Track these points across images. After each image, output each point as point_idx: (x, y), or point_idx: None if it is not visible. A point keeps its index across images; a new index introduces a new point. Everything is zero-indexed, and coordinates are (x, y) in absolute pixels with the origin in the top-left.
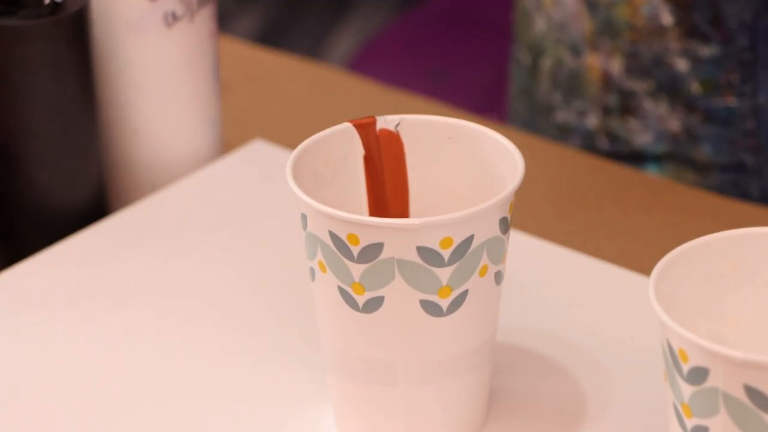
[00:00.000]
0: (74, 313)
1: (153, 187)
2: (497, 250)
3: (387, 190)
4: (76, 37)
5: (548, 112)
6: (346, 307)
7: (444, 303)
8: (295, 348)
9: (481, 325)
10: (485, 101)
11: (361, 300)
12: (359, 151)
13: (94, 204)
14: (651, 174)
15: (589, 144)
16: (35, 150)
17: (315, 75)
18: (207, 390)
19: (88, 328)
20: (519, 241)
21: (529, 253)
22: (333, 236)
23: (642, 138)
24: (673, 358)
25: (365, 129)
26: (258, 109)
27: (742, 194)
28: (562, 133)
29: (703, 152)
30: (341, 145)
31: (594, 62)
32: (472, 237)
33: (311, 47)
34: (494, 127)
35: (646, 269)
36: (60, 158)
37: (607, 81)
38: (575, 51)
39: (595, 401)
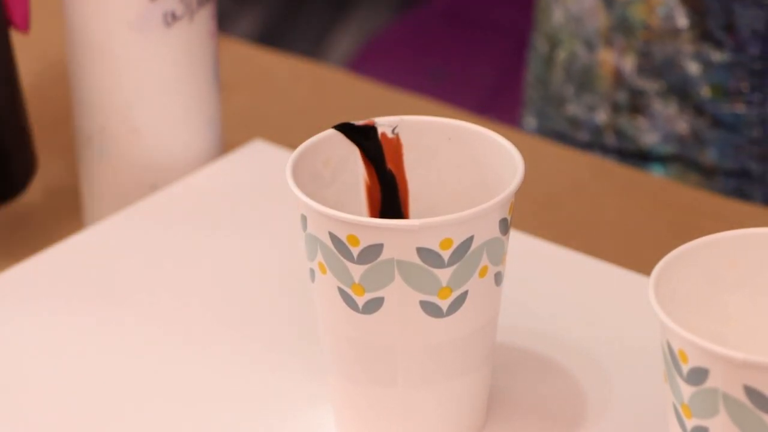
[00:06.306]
0: (74, 313)
1: (153, 187)
2: (497, 251)
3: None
4: None
5: (560, 104)
6: (346, 308)
7: (444, 304)
8: (295, 349)
9: (481, 325)
10: (486, 102)
11: (361, 301)
12: (359, 153)
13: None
14: (656, 174)
15: (596, 140)
16: None
17: (315, 75)
18: (207, 390)
19: (88, 328)
20: (519, 241)
21: (529, 253)
22: (333, 237)
23: (649, 137)
24: (673, 358)
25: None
26: (258, 109)
27: (746, 200)
28: (572, 126)
29: (709, 156)
30: (341, 146)
31: (607, 58)
32: (471, 238)
33: (311, 47)
34: (494, 128)
35: (646, 269)
36: None
37: (618, 78)
38: (589, 46)
39: (594, 401)
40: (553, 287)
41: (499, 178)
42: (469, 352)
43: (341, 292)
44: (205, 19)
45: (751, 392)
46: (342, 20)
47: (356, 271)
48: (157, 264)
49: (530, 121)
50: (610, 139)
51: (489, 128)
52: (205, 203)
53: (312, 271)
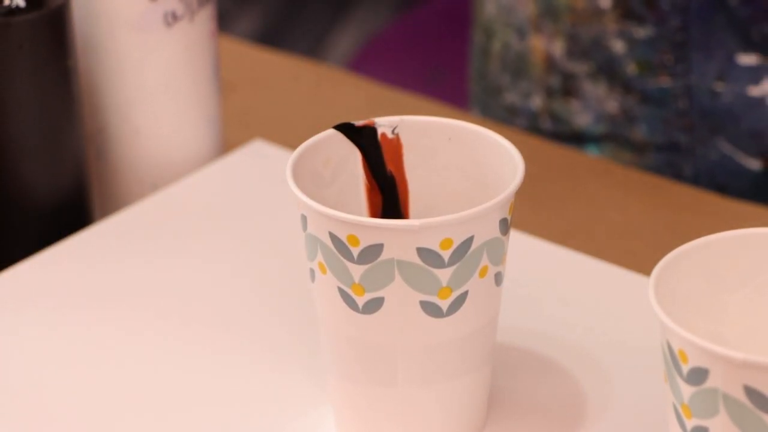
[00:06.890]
0: (74, 313)
1: (153, 187)
2: (497, 251)
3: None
4: (57, 34)
5: (498, 94)
6: (346, 308)
7: (444, 304)
8: (295, 349)
9: (481, 325)
10: None
11: (361, 301)
12: (359, 153)
13: (74, 199)
14: (591, 155)
15: (533, 125)
16: (14, 146)
17: (315, 75)
18: (207, 391)
19: (88, 327)
20: (519, 241)
21: (529, 253)
22: (333, 237)
23: (582, 119)
24: (673, 358)
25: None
26: (258, 109)
27: (676, 174)
28: (510, 115)
29: (639, 132)
30: (341, 146)
31: (538, 45)
32: (472, 238)
33: (311, 47)
34: (494, 128)
35: (646, 269)
36: (39, 153)
37: (549, 63)
38: (521, 33)
39: (595, 401)
40: (553, 287)
41: (499, 179)
42: (469, 352)
43: (341, 292)
44: (205, 19)
45: (751, 392)
46: (342, 20)
47: (356, 271)
48: (157, 264)
49: (475, 113)
50: (545, 124)
51: (489, 129)
52: (205, 203)
53: (312, 271)
